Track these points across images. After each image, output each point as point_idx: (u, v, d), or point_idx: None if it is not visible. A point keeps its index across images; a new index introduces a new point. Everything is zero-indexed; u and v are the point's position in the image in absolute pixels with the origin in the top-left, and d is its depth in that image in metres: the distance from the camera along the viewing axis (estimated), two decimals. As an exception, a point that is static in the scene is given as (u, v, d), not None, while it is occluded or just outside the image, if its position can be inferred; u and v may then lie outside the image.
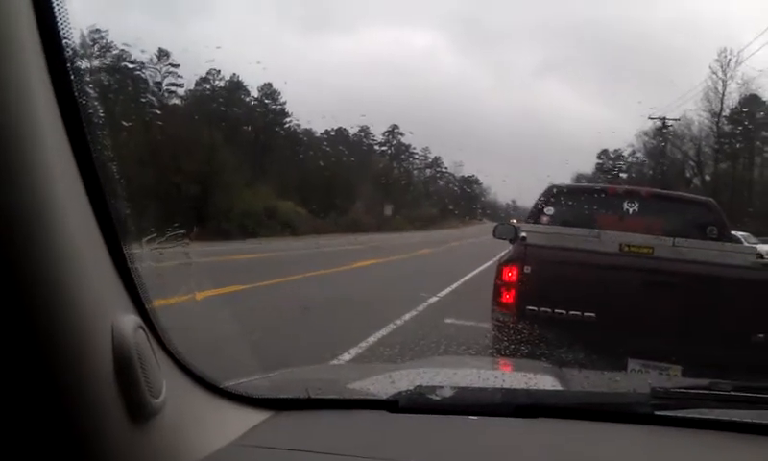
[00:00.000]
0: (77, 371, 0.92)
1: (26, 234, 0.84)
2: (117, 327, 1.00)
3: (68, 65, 0.95)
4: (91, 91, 1.05)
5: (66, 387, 0.91)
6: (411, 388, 1.79)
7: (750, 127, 53.56)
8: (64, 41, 0.95)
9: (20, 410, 0.88)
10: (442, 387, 1.77)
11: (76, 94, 0.97)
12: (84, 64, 1.00)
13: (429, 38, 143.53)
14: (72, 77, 0.96)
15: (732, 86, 53.21)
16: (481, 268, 19.72)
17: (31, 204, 0.84)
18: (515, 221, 9.95)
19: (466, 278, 19.08)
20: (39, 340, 0.87)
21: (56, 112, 0.92)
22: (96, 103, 1.07)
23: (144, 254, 1.37)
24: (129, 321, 1.04)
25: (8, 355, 0.85)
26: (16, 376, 0.86)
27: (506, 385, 2.08)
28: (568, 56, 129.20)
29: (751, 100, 52.90)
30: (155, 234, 1.59)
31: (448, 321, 11.10)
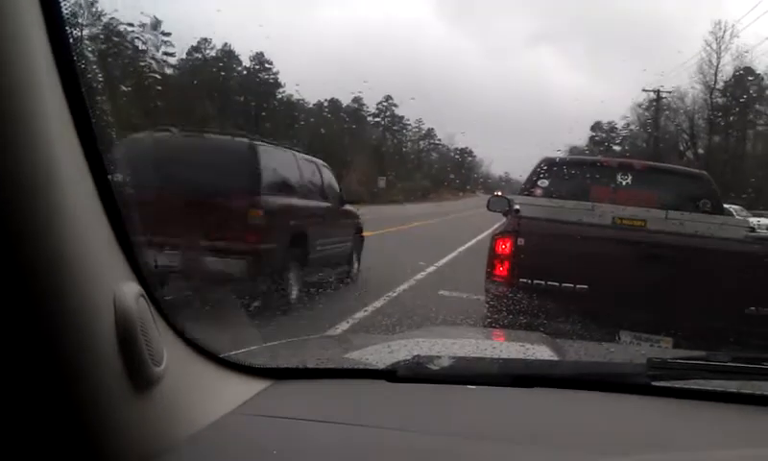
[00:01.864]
0: (80, 340, 0.92)
1: (27, 204, 0.83)
2: (119, 295, 1.00)
3: (67, 29, 0.94)
4: (90, 55, 1.04)
5: (69, 356, 0.91)
6: (409, 358, 1.79)
7: (743, 100, 53.53)
8: (64, 8, 0.93)
9: (23, 380, 0.88)
10: (439, 357, 1.77)
11: (75, 58, 0.95)
12: (81, 31, 0.98)
13: (420, 7, 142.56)
14: (71, 41, 0.95)
15: (727, 59, 53.26)
16: (474, 240, 19.87)
17: (31, 173, 0.84)
18: (499, 193, 10.17)
19: (461, 248, 19.24)
20: (42, 310, 0.87)
21: (55, 76, 0.91)
22: (95, 67, 1.06)
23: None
24: (130, 289, 1.03)
25: (10, 325, 0.85)
26: (19, 345, 0.86)
27: (503, 355, 2.09)
28: (560, 26, 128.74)
29: (744, 73, 52.89)
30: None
31: (443, 293, 11.15)
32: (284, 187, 9.48)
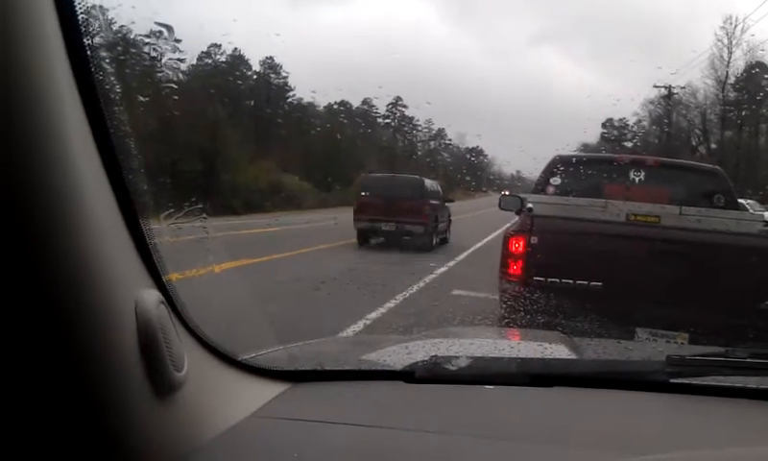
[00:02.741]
0: (102, 347, 0.93)
1: (48, 213, 0.84)
2: (140, 302, 1.01)
3: (85, 40, 0.95)
4: (108, 66, 1.05)
5: (93, 362, 0.92)
6: (426, 358, 1.79)
7: (756, 95, 53.14)
8: (80, 16, 0.94)
9: (47, 386, 0.89)
10: (457, 357, 1.77)
11: (92, 69, 0.96)
12: (97, 40, 0.98)
13: (427, 9, 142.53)
14: (89, 52, 0.96)
15: (738, 54, 52.85)
16: (488, 239, 20.06)
17: (52, 181, 0.84)
18: (506, 192, 10.60)
19: (474, 248, 19.81)
20: (65, 317, 0.88)
21: (74, 88, 0.92)
22: (112, 78, 1.07)
23: (162, 230, 1.37)
24: (151, 296, 1.04)
25: (34, 333, 0.86)
26: (44, 352, 0.87)
27: (521, 355, 2.09)
28: (568, 24, 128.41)
29: (756, 67, 52.50)
30: (172, 210, 1.60)
31: (458, 293, 11.26)
32: (430, 195, 20.37)
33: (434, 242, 19.94)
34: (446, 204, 22.34)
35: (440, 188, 22.51)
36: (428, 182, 21.35)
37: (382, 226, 19.36)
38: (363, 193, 20.41)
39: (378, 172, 22.24)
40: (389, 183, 20.83)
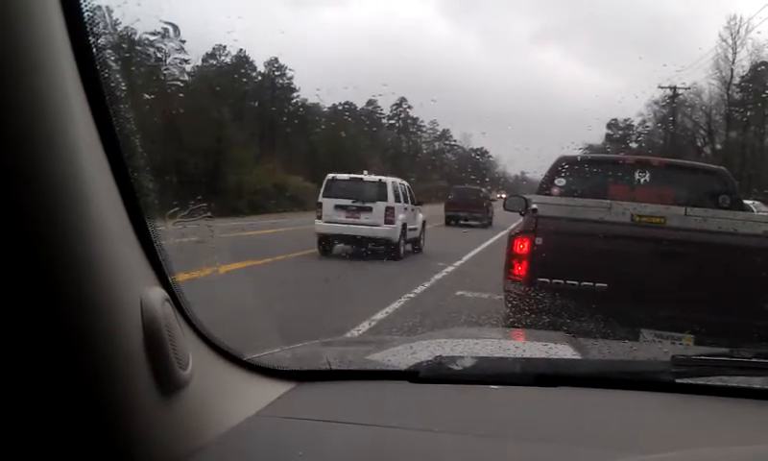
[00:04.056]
0: (107, 344, 0.93)
1: (54, 210, 0.84)
2: (145, 300, 1.01)
3: (90, 39, 0.95)
4: (113, 64, 1.05)
5: (97, 360, 0.92)
6: (431, 358, 1.79)
7: (761, 94, 53.02)
8: (86, 14, 0.94)
9: (52, 384, 0.89)
10: (462, 357, 1.77)
11: (98, 68, 0.96)
12: (102, 41, 0.98)
13: (430, 9, 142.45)
14: (94, 50, 0.96)
15: (743, 54, 52.75)
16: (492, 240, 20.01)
17: (59, 179, 0.85)
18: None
19: (477, 250, 19.65)
20: (70, 315, 0.88)
21: (80, 87, 0.92)
22: (118, 76, 1.07)
23: (167, 229, 1.38)
24: (156, 294, 1.04)
25: (40, 330, 0.86)
26: (49, 349, 0.87)
27: (526, 355, 2.09)
28: (573, 24, 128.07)
29: (761, 66, 52.39)
30: (177, 209, 1.60)
31: (462, 293, 11.25)
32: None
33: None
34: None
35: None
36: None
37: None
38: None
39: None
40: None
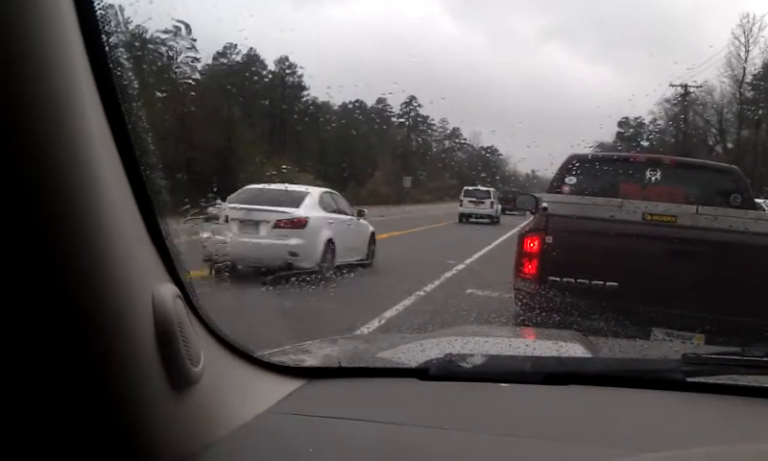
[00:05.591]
0: (119, 341, 0.93)
1: (67, 207, 0.85)
2: (157, 296, 1.01)
3: (103, 37, 0.96)
4: (125, 62, 1.05)
5: (108, 356, 0.92)
6: (441, 356, 1.79)
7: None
8: (98, 12, 0.95)
9: (65, 379, 0.89)
10: (472, 355, 1.77)
11: (111, 66, 0.97)
12: (114, 39, 0.99)
13: (435, 7, 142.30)
14: (107, 48, 0.96)
15: (755, 52, 52.46)
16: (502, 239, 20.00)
17: (71, 177, 0.85)
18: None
19: (487, 248, 19.58)
20: (82, 311, 0.88)
21: (92, 85, 0.92)
22: (130, 74, 1.07)
23: (179, 226, 1.38)
24: (168, 290, 1.05)
25: (52, 326, 0.86)
26: (62, 345, 0.88)
27: (536, 353, 2.08)
28: (583, 22, 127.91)
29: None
30: (188, 206, 1.61)
31: (473, 291, 11.28)
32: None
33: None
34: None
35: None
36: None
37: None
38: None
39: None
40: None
